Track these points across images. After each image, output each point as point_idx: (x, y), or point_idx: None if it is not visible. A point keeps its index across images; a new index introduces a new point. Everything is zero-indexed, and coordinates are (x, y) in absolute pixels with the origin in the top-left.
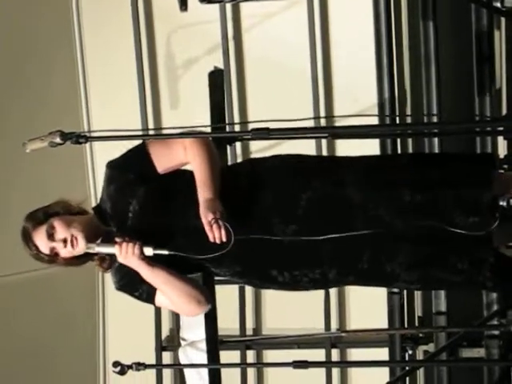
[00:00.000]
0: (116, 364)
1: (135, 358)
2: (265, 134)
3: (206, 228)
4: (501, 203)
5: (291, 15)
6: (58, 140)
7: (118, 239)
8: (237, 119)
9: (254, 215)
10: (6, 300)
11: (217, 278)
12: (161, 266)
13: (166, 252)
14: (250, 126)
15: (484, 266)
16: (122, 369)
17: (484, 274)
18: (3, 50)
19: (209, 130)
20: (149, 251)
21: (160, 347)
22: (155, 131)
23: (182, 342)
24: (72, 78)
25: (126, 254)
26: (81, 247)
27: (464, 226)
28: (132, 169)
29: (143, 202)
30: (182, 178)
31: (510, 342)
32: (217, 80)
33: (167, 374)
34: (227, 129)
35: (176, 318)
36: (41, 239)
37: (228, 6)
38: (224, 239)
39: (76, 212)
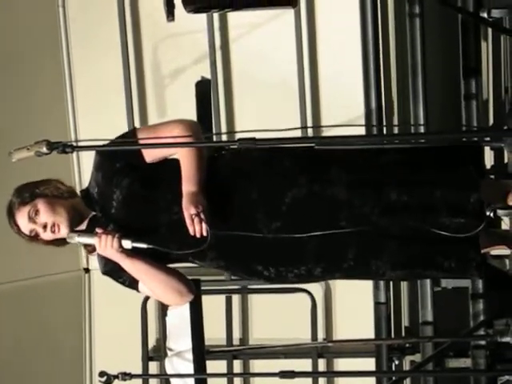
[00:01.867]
0: (102, 374)
1: (122, 367)
2: (251, 143)
3: (188, 221)
4: (487, 213)
5: (278, 26)
6: (44, 149)
7: (98, 230)
8: (224, 129)
9: (238, 210)
10: None
11: (203, 287)
12: (141, 258)
13: (144, 246)
14: (237, 136)
15: (470, 265)
16: (109, 378)
17: (471, 272)
18: None
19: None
20: (127, 244)
21: (146, 357)
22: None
23: (169, 352)
24: (58, 87)
25: (105, 246)
26: (62, 234)
27: (449, 226)
28: (119, 157)
29: (126, 193)
30: (168, 168)
31: (497, 353)
32: (204, 90)
33: None
34: (214, 138)
35: (163, 328)
36: (22, 220)
37: (215, 16)
38: (204, 233)
39: (65, 195)
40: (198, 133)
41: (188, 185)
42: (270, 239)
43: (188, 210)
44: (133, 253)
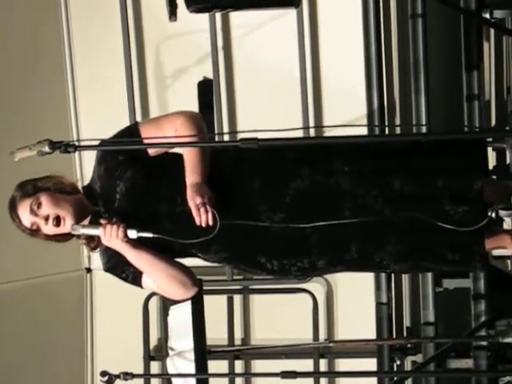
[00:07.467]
0: (104, 373)
1: (123, 367)
2: (254, 143)
3: (194, 211)
4: (489, 214)
5: (281, 25)
6: (46, 149)
7: (103, 221)
8: (226, 129)
9: (242, 201)
10: None
11: (205, 287)
12: (146, 249)
13: (150, 235)
14: (240, 136)
15: (474, 257)
16: (110, 378)
17: (474, 264)
18: None
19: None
20: (133, 234)
21: (148, 357)
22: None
23: (170, 352)
24: (61, 86)
25: (110, 236)
26: (67, 227)
27: (454, 215)
28: (122, 150)
29: (130, 185)
30: (171, 159)
31: (498, 353)
32: (206, 90)
33: (155, 383)
34: (216, 138)
35: (164, 327)
36: (24, 212)
37: (217, 16)
38: (210, 223)
39: (67, 190)
40: (201, 123)
41: (192, 176)
42: (274, 231)
43: (194, 200)
44: (138, 243)
